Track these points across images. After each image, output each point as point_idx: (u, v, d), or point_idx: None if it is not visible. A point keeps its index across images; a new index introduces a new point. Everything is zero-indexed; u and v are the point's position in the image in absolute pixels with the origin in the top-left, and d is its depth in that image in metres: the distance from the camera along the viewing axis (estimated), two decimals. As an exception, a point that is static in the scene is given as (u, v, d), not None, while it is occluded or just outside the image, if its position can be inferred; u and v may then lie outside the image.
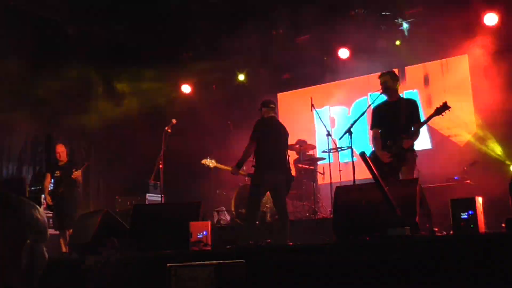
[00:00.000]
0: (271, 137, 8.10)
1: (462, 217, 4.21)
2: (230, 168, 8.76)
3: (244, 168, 8.76)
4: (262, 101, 8.60)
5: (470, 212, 4.20)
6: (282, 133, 8.37)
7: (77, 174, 10.25)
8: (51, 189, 10.47)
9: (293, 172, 10.71)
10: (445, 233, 4.50)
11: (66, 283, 5.47)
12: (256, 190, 7.93)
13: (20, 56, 11.23)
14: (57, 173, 10.45)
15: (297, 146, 11.33)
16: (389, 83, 7.42)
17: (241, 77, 13.79)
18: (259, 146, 8.01)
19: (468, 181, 9.07)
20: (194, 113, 13.43)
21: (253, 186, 8.02)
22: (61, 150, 10.59)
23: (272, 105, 8.50)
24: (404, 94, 10.84)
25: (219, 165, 9.94)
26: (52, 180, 10.54)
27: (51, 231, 10.96)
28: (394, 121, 7.24)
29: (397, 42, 11.80)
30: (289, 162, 8.35)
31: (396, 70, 8.58)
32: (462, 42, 11.00)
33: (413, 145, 7.27)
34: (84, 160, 10.80)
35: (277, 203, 8.09)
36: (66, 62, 11.50)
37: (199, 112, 13.57)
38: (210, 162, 9.92)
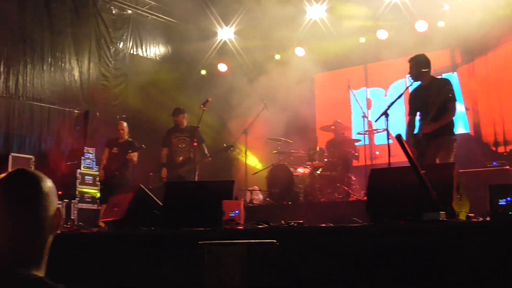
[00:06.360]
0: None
1: (499, 203, 4.10)
2: None
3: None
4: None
5: (508, 198, 4.09)
6: None
7: (132, 155, 10.22)
8: (105, 164, 10.42)
9: (327, 153, 10.65)
10: (481, 219, 4.40)
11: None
12: None
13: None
14: (115, 149, 10.41)
15: (333, 127, 11.24)
16: (418, 67, 7.27)
17: (277, 56, 13.80)
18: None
19: (508, 167, 8.90)
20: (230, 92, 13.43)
21: None
22: (123, 128, 10.55)
23: None
24: (443, 76, 10.69)
25: None
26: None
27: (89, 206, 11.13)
28: (426, 104, 7.12)
29: (439, 24, 11.60)
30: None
31: (433, 53, 8.43)
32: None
33: (452, 128, 7.16)
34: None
35: None
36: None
37: (233, 91, 13.57)
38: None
